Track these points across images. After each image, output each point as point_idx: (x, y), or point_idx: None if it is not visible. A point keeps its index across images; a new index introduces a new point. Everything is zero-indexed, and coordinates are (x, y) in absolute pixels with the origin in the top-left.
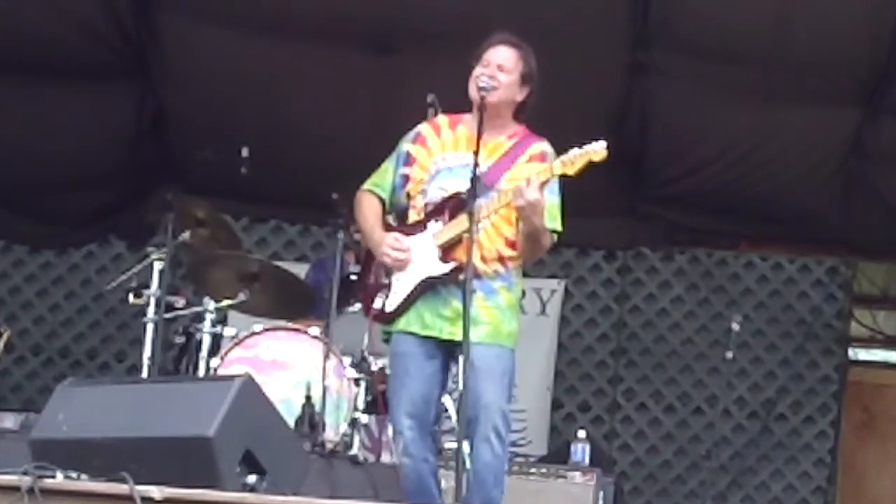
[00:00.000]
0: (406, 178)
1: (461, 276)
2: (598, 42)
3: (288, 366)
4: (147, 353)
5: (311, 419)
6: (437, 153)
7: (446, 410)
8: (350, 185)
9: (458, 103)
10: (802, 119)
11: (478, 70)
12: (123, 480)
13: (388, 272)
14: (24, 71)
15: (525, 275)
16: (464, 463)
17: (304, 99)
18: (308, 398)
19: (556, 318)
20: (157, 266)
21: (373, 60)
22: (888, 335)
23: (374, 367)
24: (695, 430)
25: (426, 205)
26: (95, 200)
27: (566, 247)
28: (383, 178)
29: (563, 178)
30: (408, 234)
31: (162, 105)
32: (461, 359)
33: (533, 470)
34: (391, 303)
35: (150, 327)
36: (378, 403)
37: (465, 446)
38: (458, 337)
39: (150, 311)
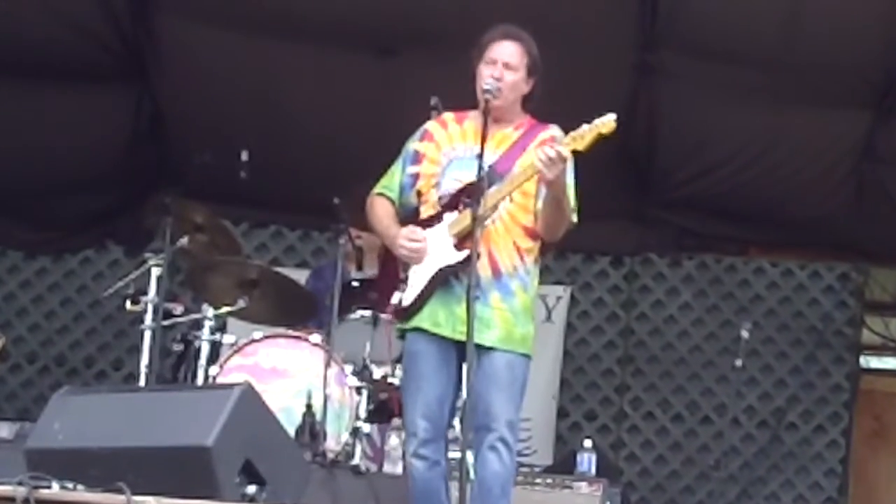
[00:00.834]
0: (415, 177)
1: (480, 270)
2: (604, 43)
3: (288, 374)
4: (144, 360)
5: (311, 428)
6: (446, 145)
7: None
8: (351, 190)
9: (461, 106)
10: (813, 122)
11: (484, 70)
12: (121, 491)
13: (406, 267)
14: (20, 73)
15: None
16: (467, 472)
17: (304, 101)
18: (309, 407)
19: (561, 325)
20: (155, 272)
21: (374, 62)
22: None
23: (375, 376)
24: (703, 439)
25: (441, 197)
26: (92, 205)
27: (572, 252)
28: (391, 180)
29: (575, 155)
30: (424, 227)
31: (160, 107)
32: (464, 366)
33: (538, 480)
34: (408, 296)
35: (147, 335)
36: (380, 412)
37: (469, 456)
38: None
39: (148, 318)
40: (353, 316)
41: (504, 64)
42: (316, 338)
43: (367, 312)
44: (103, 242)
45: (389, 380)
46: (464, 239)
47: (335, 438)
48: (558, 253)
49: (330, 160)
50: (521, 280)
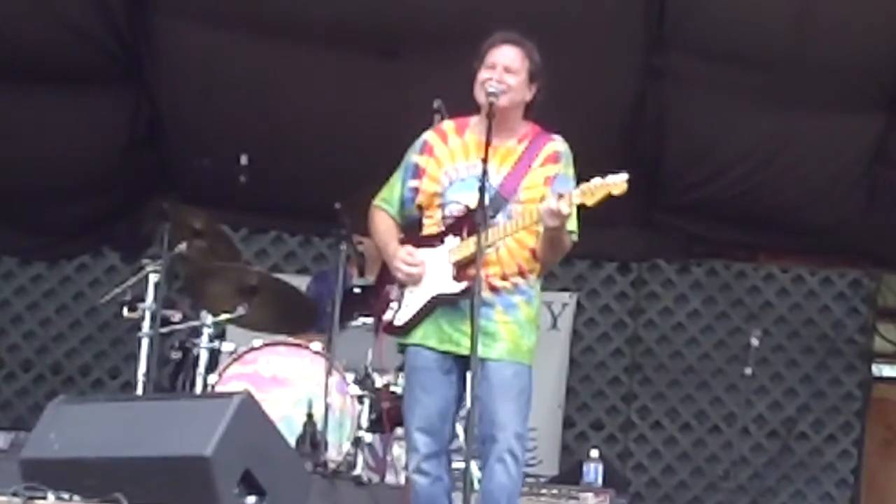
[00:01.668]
0: (416, 191)
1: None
2: (611, 46)
3: (289, 382)
4: (142, 369)
5: (312, 438)
6: (448, 163)
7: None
8: (353, 195)
9: (465, 109)
10: (824, 125)
11: (483, 74)
12: (118, 502)
13: (402, 284)
14: (15, 75)
15: None
16: (471, 484)
17: (305, 105)
18: (309, 416)
19: (567, 332)
20: (153, 278)
21: (376, 65)
22: None
23: (378, 384)
24: (712, 449)
25: (444, 217)
26: (88, 210)
27: (578, 258)
28: (391, 193)
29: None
30: (424, 245)
31: (158, 111)
32: (469, 376)
33: (544, 491)
34: (402, 316)
35: (145, 342)
36: (382, 421)
37: (474, 467)
38: (478, 354)
39: (146, 325)
40: (354, 323)
41: (504, 67)
42: (317, 345)
43: (369, 320)
44: (100, 248)
45: (392, 388)
46: (463, 268)
47: (336, 448)
48: (564, 259)
49: (331, 164)
50: (522, 293)
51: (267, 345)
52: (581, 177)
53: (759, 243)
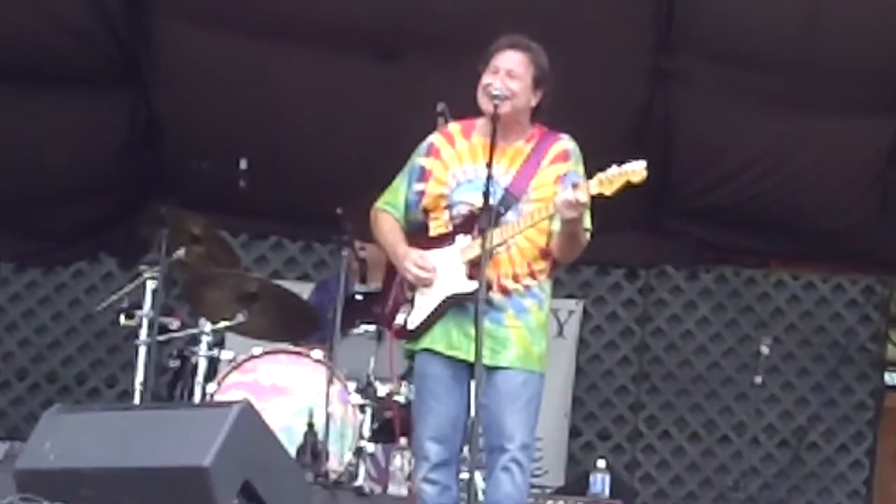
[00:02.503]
0: (421, 195)
1: (490, 293)
2: (618, 47)
3: (289, 391)
4: (139, 377)
5: (313, 448)
6: (455, 165)
7: None
8: (355, 199)
9: (469, 112)
10: (835, 128)
11: (486, 79)
12: None
13: (412, 286)
14: (10, 78)
15: None
16: (475, 495)
17: (305, 108)
18: (310, 426)
19: (573, 340)
20: (150, 285)
21: (378, 67)
22: None
23: (380, 393)
24: (721, 459)
25: (453, 217)
26: (84, 215)
27: (585, 265)
28: (395, 196)
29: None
30: (433, 247)
31: (156, 114)
32: (473, 384)
33: (550, 502)
34: (414, 319)
35: (142, 350)
36: (385, 431)
37: (478, 477)
38: (486, 360)
39: (143, 333)
40: (356, 331)
41: (507, 72)
42: (318, 354)
43: (372, 327)
44: (96, 254)
45: (395, 397)
46: (476, 266)
47: (338, 458)
48: (570, 266)
49: (333, 169)
50: (534, 297)
51: (267, 353)
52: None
53: (769, 249)
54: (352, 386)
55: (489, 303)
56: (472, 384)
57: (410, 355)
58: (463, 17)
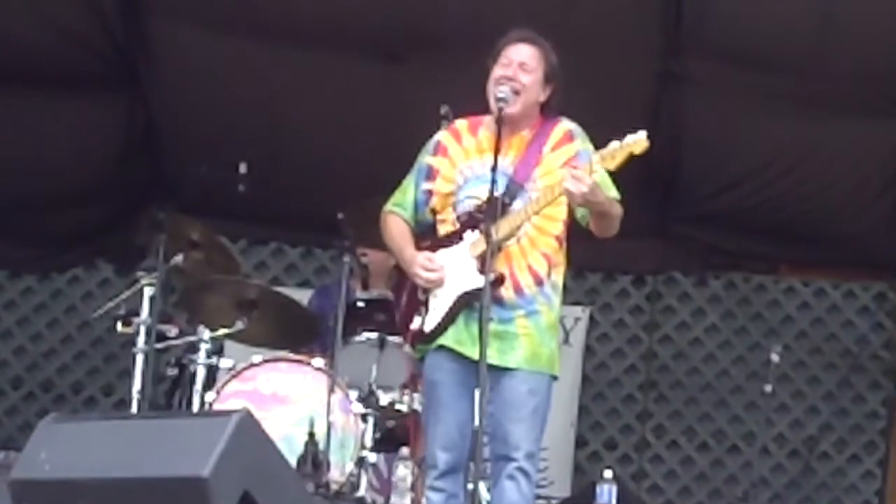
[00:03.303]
0: (429, 194)
1: (503, 289)
2: (625, 49)
3: (289, 400)
4: (137, 386)
5: (314, 458)
6: (462, 162)
7: None
8: (357, 204)
9: (473, 113)
10: (847, 132)
11: (498, 71)
12: None
13: (424, 290)
14: (4, 80)
15: None
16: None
17: (306, 109)
18: (311, 435)
19: (580, 348)
20: (148, 292)
21: (381, 68)
22: None
23: (382, 402)
24: (731, 469)
25: (459, 215)
26: (81, 220)
27: (591, 271)
28: (404, 196)
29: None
30: (443, 247)
31: (153, 117)
32: (477, 393)
33: None
34: (430, 321)
35: (140, 358)
36: (387, 440)
37: (482, 487)
38: (493, 360)
39: (140, 340)
40: (358, 338)
41: (519, 64)
42: (319, 362)
43: (374, 335)
44: (93, 260)
45: (397, 406)
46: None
47: (339, 469)
48: (576, 272)
49: (334, 173)
50: (545, 297)
51: (267, 361)
52: None
53: (779, 255)
54: (353, 395)
55: (500, 302)
56: (476, 393)
57: (421, 356)
58: (467, 19)
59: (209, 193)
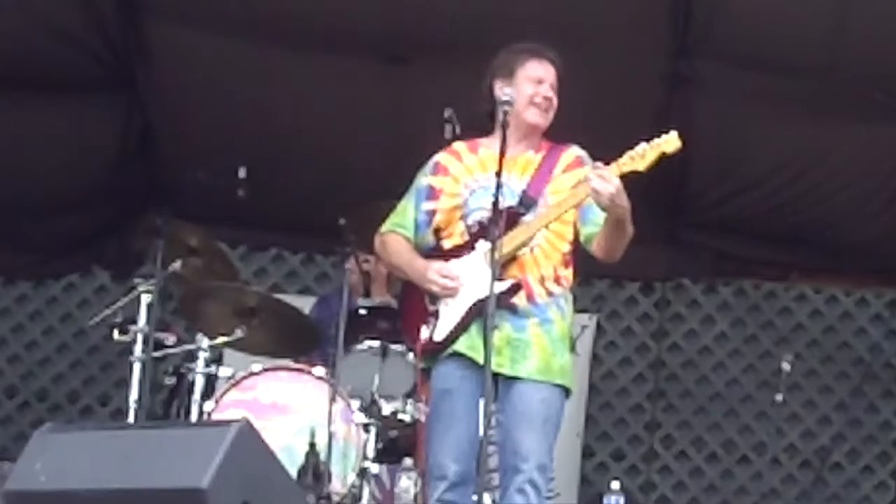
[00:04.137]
0: (432, 214)
1: (516, 298)
2: (633, 52)
3: (290, 410)
4: (134, 395)
5: (315, 469)
6: (466, 177)
7: None
8: (358, 210)
9: (473, 116)
10: (860, 136)
11: (528, 88)
12: None
13: (434, 299)
14: None
15: None
16: None
17: (307, 113)
18: (312, 445)
19: (587, 356)
20: (145, 299)
21: (383, 71)
22: None
23: (385, 412)
24: (741, 481)
25: (470, 225)
26: (77, 226)
27: (598, 278)
28: (404, 217)
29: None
30: (454, 257)
31: (150, 121)
32: (481, 402)
33: None
34: (441, 331)
35: (137, 367)
36: (390, 451)
37: (487, 499)
38: (505, 369)
39: (138, 349)
40: (360, 347)
41: (551, 85)
42: (320, 371)
43: (376, 343)
44: (89, 267)
45: (400, 416)
46: (503, 267)
47: (341, 480)
48: (583, 279)
49: (335, 177)
50: (558, 306)
51: (267, 370)
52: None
53: (790, 262)
54: (355, 404)
55: (513, 310)
56: (482, 403)
57: (426, 368)
58: (472, 21)
59: (208, 198)
